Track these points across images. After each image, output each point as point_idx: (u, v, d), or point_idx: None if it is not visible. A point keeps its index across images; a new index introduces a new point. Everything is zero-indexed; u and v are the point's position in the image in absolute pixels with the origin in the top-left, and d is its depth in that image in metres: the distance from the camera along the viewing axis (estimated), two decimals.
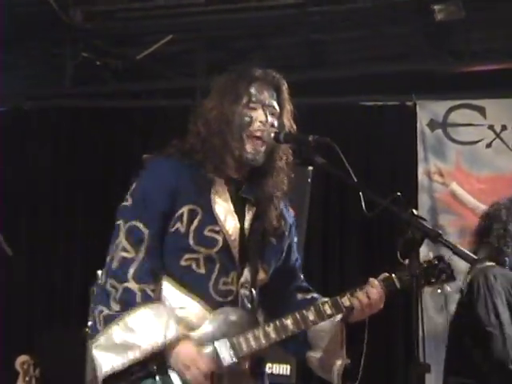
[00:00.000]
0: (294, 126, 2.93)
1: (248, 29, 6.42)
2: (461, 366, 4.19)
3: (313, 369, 3.00)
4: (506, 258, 4.19)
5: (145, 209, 2.79)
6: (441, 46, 6.29)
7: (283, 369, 5.74)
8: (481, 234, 4.33)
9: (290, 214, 3.05)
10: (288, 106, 2.93)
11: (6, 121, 6.66)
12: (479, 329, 4.08)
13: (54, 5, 5.87)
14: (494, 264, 4.18)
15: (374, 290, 2.84)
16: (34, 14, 6.13)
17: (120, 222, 2.81)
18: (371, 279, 2.87)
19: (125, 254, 2.76)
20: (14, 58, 6.36)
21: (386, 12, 6.13)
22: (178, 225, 2.79)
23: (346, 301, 2.84)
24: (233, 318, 2.79)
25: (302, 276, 3.12)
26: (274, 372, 5.57)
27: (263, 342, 2.76)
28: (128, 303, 2.70)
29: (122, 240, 2.78)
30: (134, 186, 2.86)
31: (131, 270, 2.74)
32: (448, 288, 2.92)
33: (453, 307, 6.07)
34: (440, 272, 2.87)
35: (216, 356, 2.73)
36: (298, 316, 2.80)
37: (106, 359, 2.69)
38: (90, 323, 2.82)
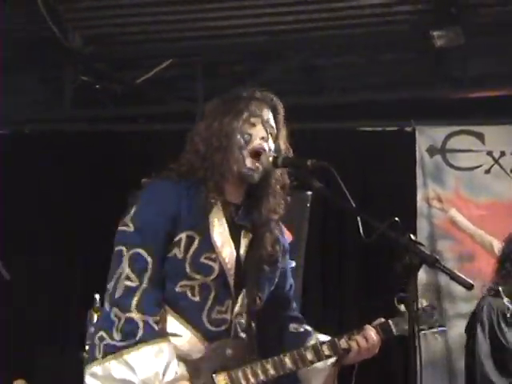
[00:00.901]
0: (291, 150, 2.93)
1: (246, 54, 6.45)
2: None
3: None
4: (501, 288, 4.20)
5: (148, 236, 2.74)
6: (440, 72, 6.32)
7: None
8: (501, 261, 4.38)
9: (285, 239, 3.03)
10: (283, 130, 2.93)
11: (7, 144, 6.66)
12: None
13: (53, 29, 5.89)
14: (492, 293, 4.20)
15: (372, 333, 2.86)
16: (34, 37, 6.16)
17: (122, 248, 2.75)
18: (367, 325, 2.89)
19: (128, 283, 2.71)
20: (14, 82, 6.37)
21: (385, 38, 6.16)
22: (176, 250, 2.76)
23: (343, 343, 2.85)
24: (230, 351, 2.77)
25: (294, 305, 3.11)
26: None
27: (261, 377, 2.75)
28: (130, 334, 2.66)
29: (125, 268, 2.72)
30: (133, 210, 2.80)
31: (134, 300, 2.68)
32: (439, 338, 2.96)
33: (453, 332, 6.10)
34: (434, 321, 2.96)
35: None
36: (296, 355, 2.80)
37: None
38: (87, 347, 2.79)
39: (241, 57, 6.53)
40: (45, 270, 6.61)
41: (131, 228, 2.77)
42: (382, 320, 2.90)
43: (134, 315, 2.67)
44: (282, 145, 2.91)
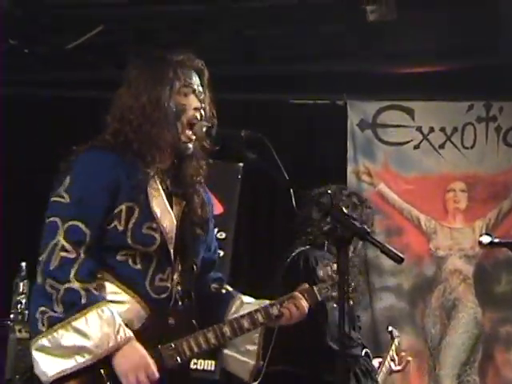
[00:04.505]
0: (214, 112, 2.94)
1: (178, 22, 6.36)
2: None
3: (224, 365, 3.09)
4: (326, 241, 4.25)
5: (85, 208, 2.71)
6: (373, 46, 6.33)
7: (208, 364, 5.75)
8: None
9: (209, 199, 3.06)
10: (208, 93, 2.94)
11: None
12: None
13: None
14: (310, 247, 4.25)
15: (302, 301, 2.97)
16: None
17: (56, 219, 2.70)
18: (296, 293, 3.01)
19: (64, 254, 2.67)
20: None
21: (319, 10, 6.14)
22: (116, 222, 2.74)
23: (275, 310, 2.94)
24: (172, 320, 2.80)
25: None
26: (199, 367, 5.58)
27: (204, 346, 2.82)
28: (73, 304, 2.64)
29: (60, 239, 2.68)
30: (68, 180, 2.75)
31: (72, 270, 2.66)
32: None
33: (379, 305, 6.19)
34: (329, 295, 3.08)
35: (160, 359, 2.74)
36: (234, 324, 2.89)
37: (52, 363, 2.62)
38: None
39: (175, 24, 6.43)
40: None
41: (67, 199, 2.72)
42: (307, 286, 3.02)
43: (74, 284, 2.64)
44: (208, 110, 2.92)
